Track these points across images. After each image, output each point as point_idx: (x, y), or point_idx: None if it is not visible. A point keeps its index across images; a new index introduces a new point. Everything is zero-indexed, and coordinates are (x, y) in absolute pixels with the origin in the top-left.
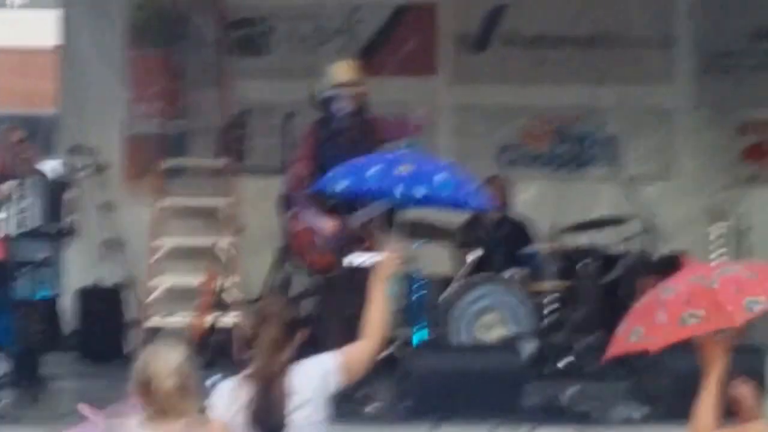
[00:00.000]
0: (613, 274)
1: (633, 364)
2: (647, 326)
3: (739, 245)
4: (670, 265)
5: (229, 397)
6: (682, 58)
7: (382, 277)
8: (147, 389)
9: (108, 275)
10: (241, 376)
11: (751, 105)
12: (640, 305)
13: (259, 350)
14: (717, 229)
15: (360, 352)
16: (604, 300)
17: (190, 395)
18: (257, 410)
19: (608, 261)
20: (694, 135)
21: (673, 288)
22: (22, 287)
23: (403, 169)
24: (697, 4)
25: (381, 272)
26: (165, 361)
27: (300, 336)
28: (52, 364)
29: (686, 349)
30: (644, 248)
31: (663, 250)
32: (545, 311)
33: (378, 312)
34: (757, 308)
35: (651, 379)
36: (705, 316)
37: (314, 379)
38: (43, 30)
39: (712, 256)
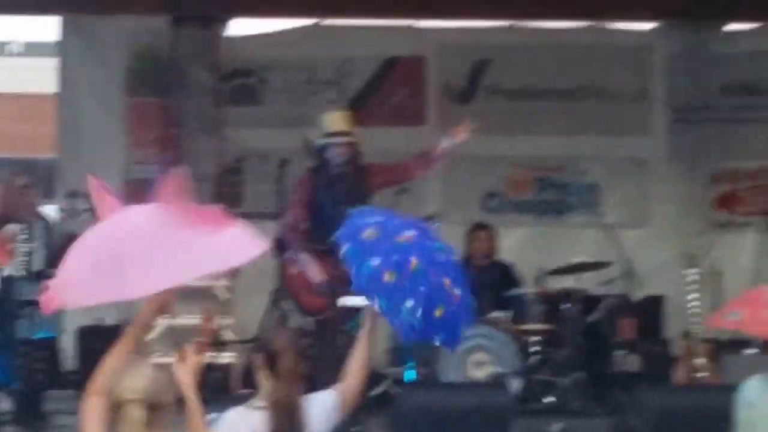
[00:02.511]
0: (595, 316)
1: (615, 401)
2: (750, 316)
3: (713, 289)
4: (648, 307)
5: (235, 426)
6: (658, 111)
7: (370, 319)
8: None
9: (107, 315)
10: (245, 407)
11: (723, 155)
12: (746, 295)
13: (277, 381)
14: (691, 274)
15: (350, 390)
16: (586, 340)
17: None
18: None
19: (589, 303)
20: (669, 184)
21: None
22: (23, 327)
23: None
24: (671, 60)
25: (369, 315)
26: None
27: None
28: (54, 401)
29: (667, 387)
30: (624, 291)
31: (641, 293)
32: (530, 351)
33: (363, 351)
34: None
35: (632, 416)
36: None
37: (321, 414)
38: (42, 77)
39: (688, 298)
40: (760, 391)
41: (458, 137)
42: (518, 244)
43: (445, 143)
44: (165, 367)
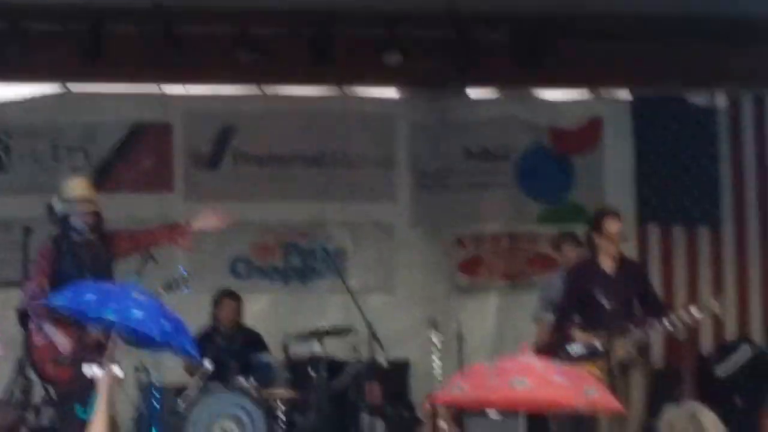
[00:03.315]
0: (341, 381)
1: None
2: (473, 385)
3: (458, 351)
4: (394, 372)
5: None
6: (402, 177)
7: (105, 388)
8: None
9: None
10: None
11: (466, 220)
12: (465, 372)
13: None
14: (436, 337)
15: None
16: (333, 406)
17: None
18: None
19: (336, 369)
20: (414, 249)
21: (503, 362)
22: None
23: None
24: (415, 127)
25: (104, 383)
26: None
27: None
28: None
29: None
30: (370, 356)
31: (388, 357)
32: (277, 417)
33: (102, 419)
34: (594, 395)
35: None
36: (534, 387)
37: None
38: None
39: (434, 362)
40: None
41: (210, 225)
42: (265, 310)
43: (196, 224)
44: None
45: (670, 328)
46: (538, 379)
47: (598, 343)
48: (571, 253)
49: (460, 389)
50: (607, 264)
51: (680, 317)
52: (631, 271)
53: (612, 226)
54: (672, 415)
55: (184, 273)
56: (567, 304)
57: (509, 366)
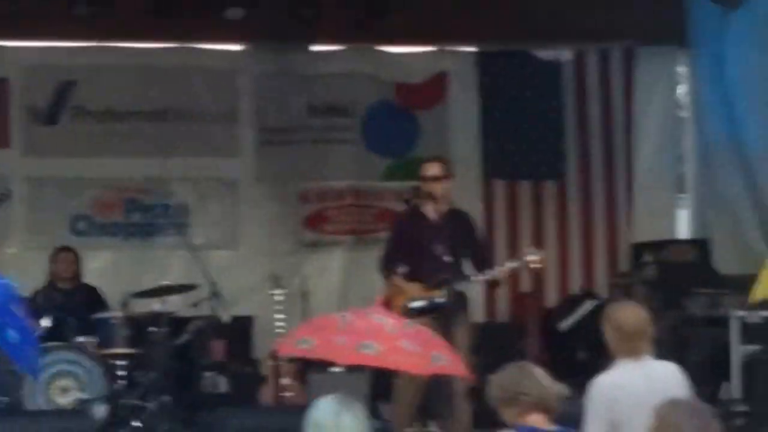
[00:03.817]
0: (183, 339)
1: (202, 423)
2: (322, 341)
3: (302, 309)
4: (237, 329)
5: None
6: (246, 132)
7: None
8: None
9: None
10: None
11: (311, 175)
12: (315, 322)
13: None
14: (279, 294)
15: None
16: (175, 363)
17: None
18: None
19: (178, 326)
20: (258, 205)
21: (354, 320)
22: None
23: None
24: (259, 82)
25: None
26: None
27: None
28: None
29: (252, 407)
30: (213, 312)
31: (230, 314)
32: (117, 375)
33: None
34: (441, 363)
35: None
36: (382, 351)
37: None
38: None
39: (277, 318)
40: (328, 411)
41: None
42: (107, 268)
43: None
44: None
45: (488, 278)
46: (387, 343)
47: (438, 297)
48: None
49: (307, 344)
50: (432, 212)
51: (501, 270)
52: (458, 220)
53: (428, 169)
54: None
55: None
56: (391, 253)
57: (359, 326)
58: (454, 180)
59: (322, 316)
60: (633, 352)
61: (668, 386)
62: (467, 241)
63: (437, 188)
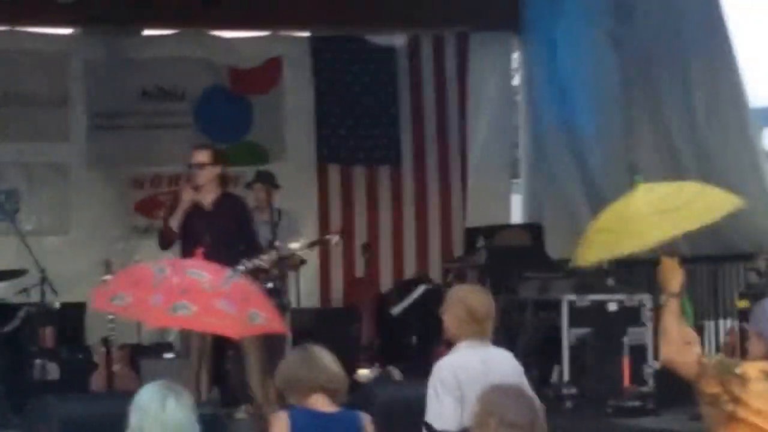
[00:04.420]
0: (12, 325)
1: (30, 411)
2: (137, 300)
3: None
4: (68, 315)
5: None
6: (76, 117)
7: None
8: None
9: None
10: None
11: (143, 161)
12: (131, 274)
13: None
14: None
15: None
16: (4, 350)
17: None
18: None
19: (7, 313)
20: (89, 189)
21: (170, 275)
22: None
23: None
24: (90, 66)
25: None
26: None
27: None
28: None
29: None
30: (42, 299)
31: (63, 299)
32: None
33: None
34: (258, 322)
35: (44, 426)
36: (197, 313)
37: None
38: None
39: None
40: (152, 395)
41: None
42: None
43: None
44: None
45: (254, 265)
46: (203, 303)
47: (264, 260)
48: (261, 193)
49: (122, 300)
50: (204, 198)
51: (268, 258)
52: (230, 206)
53: (195, 156)
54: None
55: None
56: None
57: (175, 283)
58: (287, 164)
59: (139, 266)
60: (478, 335)
61: (504, 371)
62: (239, 225)
63: (203, 176)
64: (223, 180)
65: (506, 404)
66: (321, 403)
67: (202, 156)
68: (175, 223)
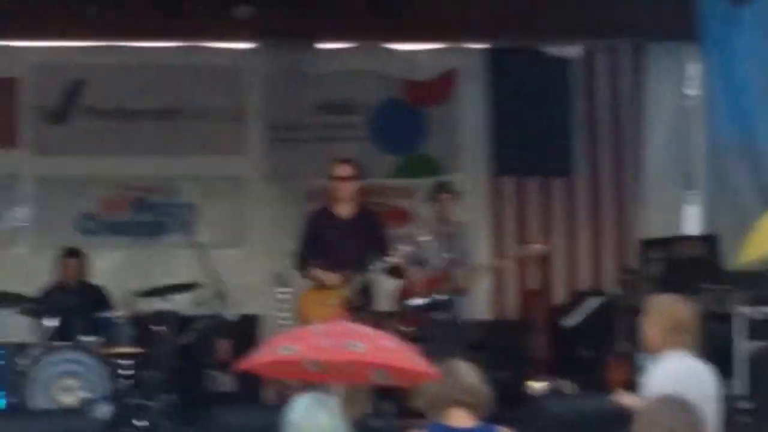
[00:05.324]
0: (188, 338)
1: (207, 422)
2: (305, 346)
3: None
4: (243, 328)
5: None
6: (254, 130)
7: None
8: None
9: None
10: None
11: (318, 174)
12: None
13: None
14: (282, 294)
15: None
16: (180, 362)
17: None
18: None
19: (183, 325)
20: (265, 202)
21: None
22: None
23: None
24: (266, 80)
25: None
26: None
27: None
28: None
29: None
30: (217, 312)
31: (235, 313)
32: (122, 374)
33: None
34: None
35: None
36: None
37: None
38: None
39: (280, 317)
40: (303, 409)
41: None
42: (113, 267)
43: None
44: None
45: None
46: (371, 342)
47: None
48: (449, 203)
49: (290, 350)
50: (342, 210)
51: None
52: (368, 219)
53: (336, 170)
54: None
55: None
56: (302, 249)
57: (336, 329)
58: (461, 176)
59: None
60: (684, 346)
61: (710, 383)
62: (373, 241)
63: (345, 189)
64: (362, 194)
65: (670, 415)
66: (459, 418)
67: (344, 170)
68: None
